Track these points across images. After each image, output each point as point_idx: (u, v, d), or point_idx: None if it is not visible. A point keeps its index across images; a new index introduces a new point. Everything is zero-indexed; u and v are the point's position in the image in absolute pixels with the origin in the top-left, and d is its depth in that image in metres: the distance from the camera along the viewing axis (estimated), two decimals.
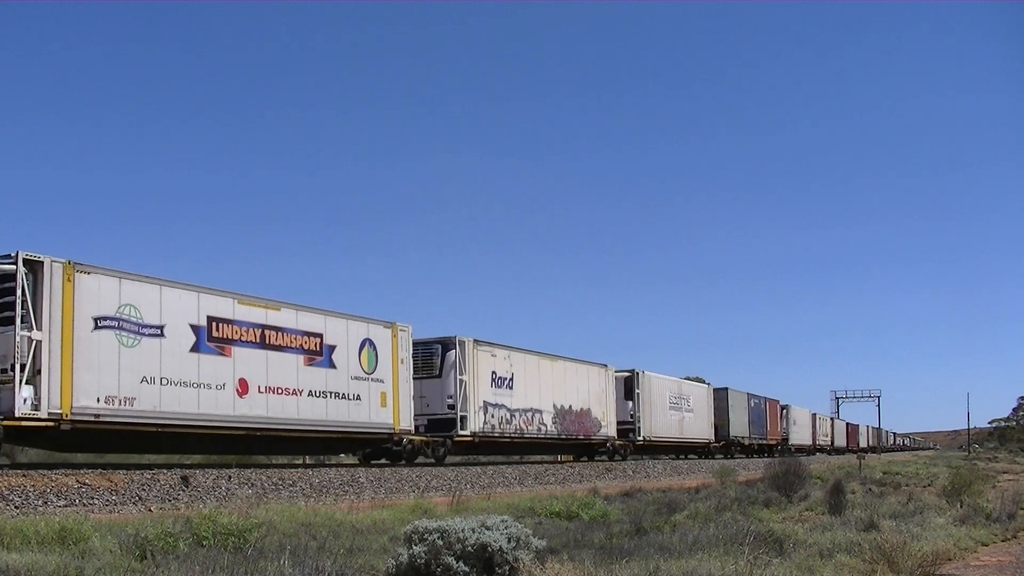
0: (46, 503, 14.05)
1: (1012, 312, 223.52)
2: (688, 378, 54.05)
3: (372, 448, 25.51)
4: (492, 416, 28.09)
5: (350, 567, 8.16)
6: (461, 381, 26.85)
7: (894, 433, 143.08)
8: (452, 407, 26.56)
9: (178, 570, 7.77)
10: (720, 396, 52.08)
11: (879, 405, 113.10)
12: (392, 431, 24.30)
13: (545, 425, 31.18)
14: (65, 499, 14.44)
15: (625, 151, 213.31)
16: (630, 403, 39.12)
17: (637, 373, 39.86)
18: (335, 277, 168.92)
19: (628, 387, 39.25)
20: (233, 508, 11.47)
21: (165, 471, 17.55)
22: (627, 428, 38.59)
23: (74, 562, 7.92)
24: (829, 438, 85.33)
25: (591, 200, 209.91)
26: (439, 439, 26.31)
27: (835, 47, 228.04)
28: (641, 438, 39.36)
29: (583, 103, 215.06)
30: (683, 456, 47.45)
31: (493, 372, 28.44)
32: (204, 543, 9.40)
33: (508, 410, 28.92)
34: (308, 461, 27.58)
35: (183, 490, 16.37)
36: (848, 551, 10.36)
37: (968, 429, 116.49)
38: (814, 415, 78.22)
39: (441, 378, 26.86)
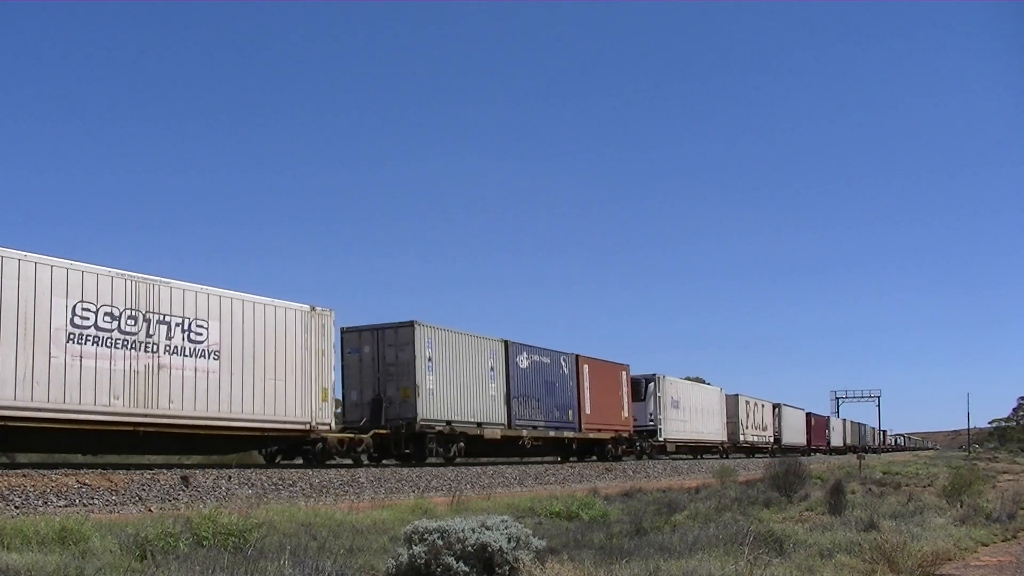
0: (46, 503, 14.04)
1: (1012, 312, 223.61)
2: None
3: None
4: None
5: (350, 567, 8.17)
6: None
7: (884, 431, 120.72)
8: None
9: (178, 570, 7.76)
10: (368, 339, 25.61)
11: (879, 405, 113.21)
12: None
13: None
14: (65, 499, 14.43)
15: (625, 151, 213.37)
16: None
17: None
18: (335, 277, 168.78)
19: None
20: (233, 508, 11.46)
21: (165, 471, 17.56)
22: None
23: (74, 562, 7.92)
24: (769, 433, 60.27)
25: (591, 200, 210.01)
26: None
27: (835, 47, 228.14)
28: None
29: (583, 103, 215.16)
30: (240, 457, 22.28)
31: None
32: (204, 543, 9.40)
33: None
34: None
35: (183, 490, 16.37)
36: (848, 551, 10.36)
37: (968, 429, 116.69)
38: (735, 397, 53.02)
39: None
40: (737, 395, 53.43)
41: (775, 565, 8.85)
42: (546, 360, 32.17)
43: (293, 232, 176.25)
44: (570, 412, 33.16)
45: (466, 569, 7.26)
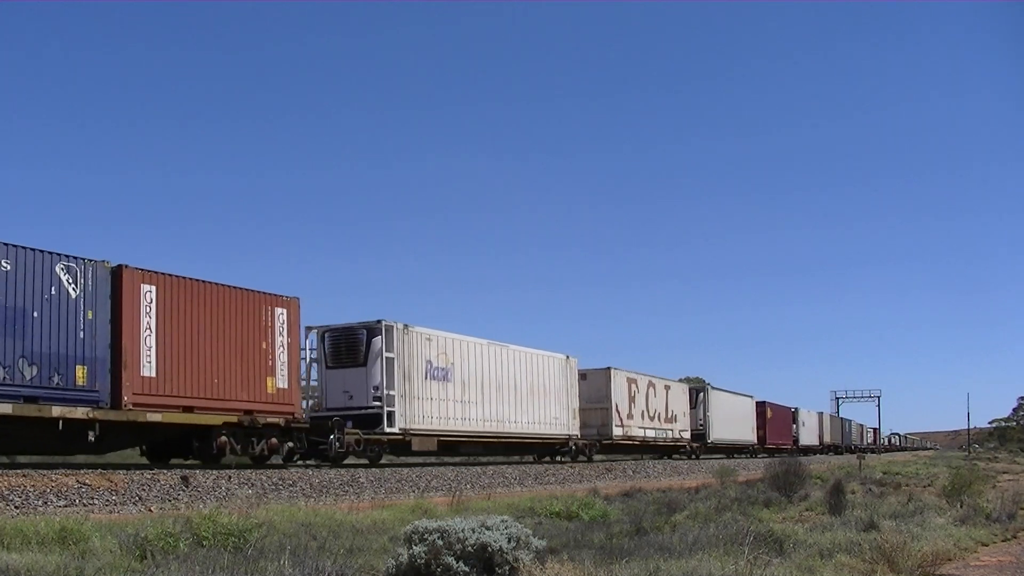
0: (46, 503, 14.04)
1: (1012, 312, 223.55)
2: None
3: None
4: None
5: (350, 567, 8.16)
6: None
7: (875, 428, 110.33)
8: None
9: (178, 570, 7.76)
10: None
11: (879, 405, 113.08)
12: None
13: None
14: (65, 499, 14.43)
15: (625, 151, 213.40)
16: None
17: None
18: (336, 277, 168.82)
19: None
20: (233, 508, 11.45)
21: (165, 471, 17.55)
22: None
23: (74, 562, 7.92)
24: (683, 425, 43.15)
25: (591, 200, 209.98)
26: None
27: (835, 47, 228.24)
28: None
29: (583, 103, 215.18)
30: None
31: None
32: (204, 543, 9.39)
33: None
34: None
35: (183, 490, 16.36)
36: (848, 551, 10.35)
37: (968, 429, 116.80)
38: (605, 372, 36.25)
39: None
40: (609, 369, 36.08)
41: (775, 565, 8.85)
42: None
43: (292, 231, 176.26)
44: (80, 370, 17.17)
45: (466, 569, 7.26)
